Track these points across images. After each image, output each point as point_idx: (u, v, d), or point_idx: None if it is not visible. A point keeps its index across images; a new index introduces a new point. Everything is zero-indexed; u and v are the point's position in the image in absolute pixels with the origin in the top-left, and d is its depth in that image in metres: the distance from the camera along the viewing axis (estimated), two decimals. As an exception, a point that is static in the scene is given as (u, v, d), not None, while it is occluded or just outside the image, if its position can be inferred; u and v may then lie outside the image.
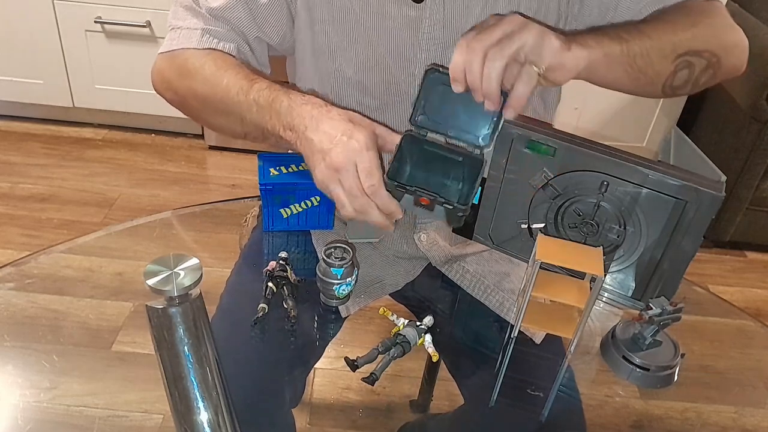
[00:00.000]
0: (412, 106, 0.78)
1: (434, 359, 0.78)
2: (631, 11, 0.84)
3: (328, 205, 0.90)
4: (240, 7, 0.85)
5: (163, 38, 0.89)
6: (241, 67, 0.84)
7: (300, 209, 0.90)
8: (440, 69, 0.75)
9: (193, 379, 0.57)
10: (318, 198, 0.89)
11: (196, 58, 0.84)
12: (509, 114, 0.73)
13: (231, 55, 0.86)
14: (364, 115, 0.82)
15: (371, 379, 0.71)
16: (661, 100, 2.34)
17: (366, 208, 0.73)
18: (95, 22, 2.20)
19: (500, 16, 0.73)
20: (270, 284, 0.81)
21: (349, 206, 0.73)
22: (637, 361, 0.77)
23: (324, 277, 0.79)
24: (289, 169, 0.89)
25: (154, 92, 0.90)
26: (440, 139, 0.77)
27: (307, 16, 0.86)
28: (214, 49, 0.85)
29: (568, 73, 0.72)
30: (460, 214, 0.75)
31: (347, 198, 0.73)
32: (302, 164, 0.90)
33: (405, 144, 0.77)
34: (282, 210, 0.90)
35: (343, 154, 0.72)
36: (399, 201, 0.77)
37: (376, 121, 0.80)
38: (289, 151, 1.05)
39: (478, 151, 0.77)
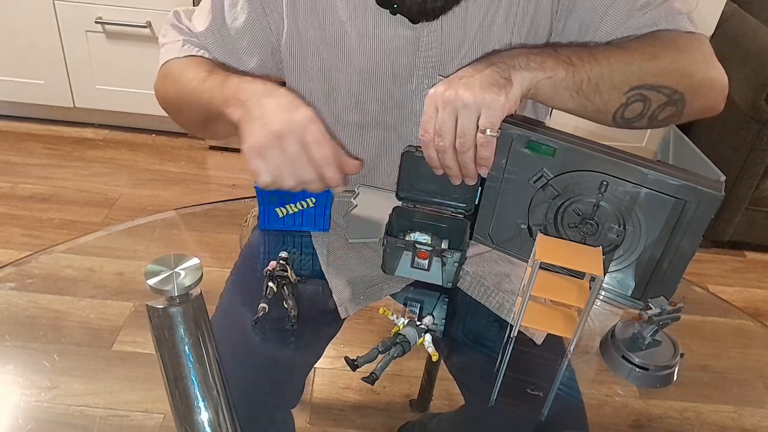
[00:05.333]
0: (396, 183, 0.83)
1: (434, 359, 0.78)
2: (609, 36, 0.83)
3: (324, 206, 0.90)
4: (212, 34, 0.89)
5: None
6: (208, 63, 0.87)
7: (295, 209, 0.90)
8: (416, 150, 0.80)
9: (193, 379, 0.57)
10: (314, 200, 0.89)
11: (176, 64, 0.88)
12: (483, 171, 0.77)
13: (208, 59, 0.89)
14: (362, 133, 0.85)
15: (371, 379, 0.72)
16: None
17: (306, 178, 0.73)
18: (96, 22, 2.20)
19: (436, 93, 0.74)
20: (270, 284, 0.81)
21: (288, 176, 0.72)
22: (637, 360, 0.77)
23: None
24: None
25: (154, 92, 0.93)
26: (426, 207, 0.83)
27: (297, 39, 0.87)
28: (194, 55, 0.88)
29: (516, 104, 0.74)
30: (456, 263, 0.81)
31: (285, 166, 0.72)
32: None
33: (395, 215, 0.82)
34: (278, 209, 0.91)
35: (288, 122, 0.72)
36: (398, 261, 0.83)
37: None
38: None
39: (462, 214, 0.82)
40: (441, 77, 0.81)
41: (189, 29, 0.90)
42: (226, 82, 0.78)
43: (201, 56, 0.88)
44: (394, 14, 0.81)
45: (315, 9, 0.84)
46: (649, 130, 2.44)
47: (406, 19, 0.81)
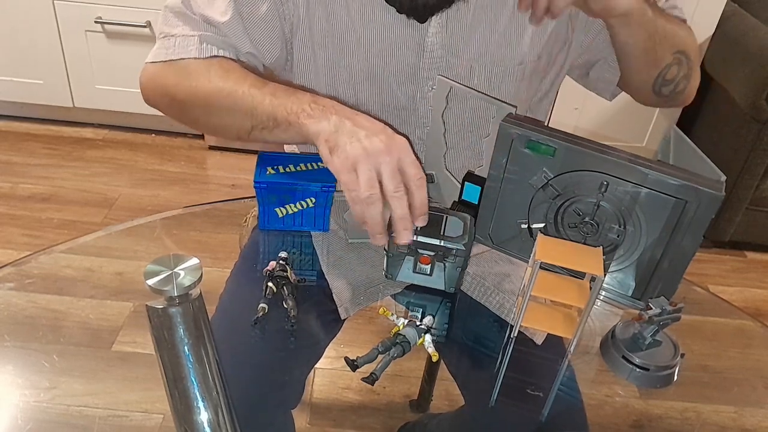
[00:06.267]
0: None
1: (434, 359, 0.78)
2: None
3: (324, 206, 0.90)
4: (236, 24, 0.84)
5: (163, 38, 0.88)
6: (249, 71, 0.84)
7: (295, 209, 0.90)
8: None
9: (193, 379, 0.57)
10: (313, 199, 0.89)
11: (200, 63, 0.83)
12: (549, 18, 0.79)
13: (234, 60, 0.85)
14: None
15: (371, 379, 0.71)
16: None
17: (401, 198, 0.72)
18: (95, 22, 2.20)
19: None
20: (270, 284, 0.81)
21: (371, 188, 0.71)
22: (637, 361, 0.77)
23: None
24: (287, 169, 0.89)
25: (149, 82, 0.88)
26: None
27: (308, 33, 0.86)
28: (216, 55, 0.84)
29: (617, 7, 0.78)
30: (459, 268, 0.79)
31: (379, 183, 0.72)
32: (301, 165, 0.90)
33: (390, 242, 0.79)
34: (277, 209, 0.90)
35: (391, 141, 0.73)
36: (400, 266, 0.81)
37: None
38: (289, 151, 1.05)
39: (461, 247, 0.78)
40: (441, 77, 0.81)
41: (206, 20, 0.84)
42: (298, 93, 0.78)
43: (225, 57, 0.84)
44: (401, 12, 0.81)
45: (324, 1, 0.83)
46: (650, 130, 2.44)
47: (413, 19, 0.81)
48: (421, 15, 0.80)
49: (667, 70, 0.88)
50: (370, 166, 0.71)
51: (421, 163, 0.75)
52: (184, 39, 0.84)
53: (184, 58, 0.84)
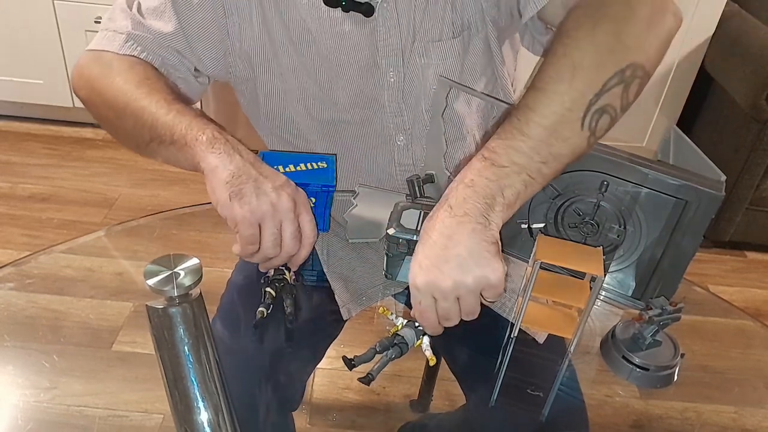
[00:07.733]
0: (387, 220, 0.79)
1: (431, 363, 0.77)
2: None
3: (324, 206, 0.90)
4: (178, 34, 0.83)
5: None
6: (167, 84, 0.82)
7: None
8: (405, 200, 0.79)
9: (193, 379, 0.57)
10: (314, 200, 0.89)
11: (123, 61, 0.82)
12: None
13: (155, 67, 0.83)
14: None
15: (367, 379, 0.71)
16: (662, 99, 2.34)
17: (286, 257, 0.75)
18: (95, 22, 2.20)
19: (427, 282, 0.66)
20: (268, 289, 0.81)
21: (273, 248, 0.73)
22: (637, 360, 0.77)
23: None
24: (287, 169, 0.89)
25: (76, 72, 0.86)
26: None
27: (269, 41, 0.86)
28: (137, 57, 0.82)
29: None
30: None
31: (281, 239, 0.73)
32: (301, 165, 0.90)
33: (390, 242, 0.78)
34: None
35: (297, 196, 0.74)
36: (400, 266, 0.80)
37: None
38: (290, 150, 1.05)
39: None
40: (442, 77, 0.80)
41: (142, 20, 0.83)
42: (204, 119, 0.76)
43: (143, 59, 0.82)
44: (347, 11, 0.81)
45: (279, 9, 0.83)
46: (650, 130, 2.44)
47: (360, 15, 0.81)
48: (365, 10, 0.80)
49: (594, 134, 0.66)
50: (276, 223, 0.71)
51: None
52: (114, 34, 0.83)
53: (107, 50, 0.82)
